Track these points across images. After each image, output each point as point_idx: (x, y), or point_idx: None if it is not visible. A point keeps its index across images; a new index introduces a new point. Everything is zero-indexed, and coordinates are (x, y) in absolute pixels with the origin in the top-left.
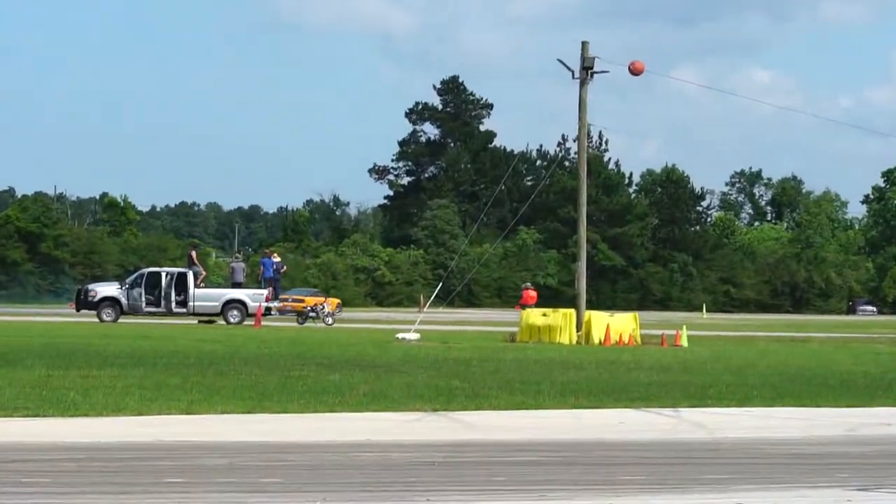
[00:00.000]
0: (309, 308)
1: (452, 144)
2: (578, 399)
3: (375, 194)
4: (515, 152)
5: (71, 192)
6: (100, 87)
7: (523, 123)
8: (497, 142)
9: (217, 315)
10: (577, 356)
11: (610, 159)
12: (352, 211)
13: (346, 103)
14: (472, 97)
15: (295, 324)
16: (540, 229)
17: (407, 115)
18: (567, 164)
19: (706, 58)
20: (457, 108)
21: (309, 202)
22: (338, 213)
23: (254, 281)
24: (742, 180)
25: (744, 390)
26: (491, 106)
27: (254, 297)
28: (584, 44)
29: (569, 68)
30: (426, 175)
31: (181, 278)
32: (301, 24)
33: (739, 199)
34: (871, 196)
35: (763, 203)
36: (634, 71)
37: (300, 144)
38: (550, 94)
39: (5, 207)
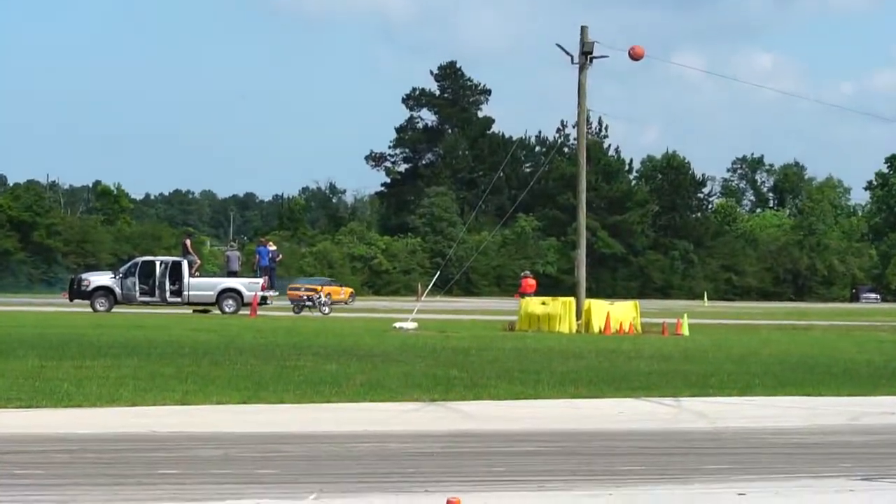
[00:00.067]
0: (305, 297)
1: (450, 131)
2: (578, 388)
3: (372, 181)
4: (514, 139)
5: (63, 180)
6: (92, 75)
7: (522, 109)
8: (495, 128)
9: (212, 304)
10: (577, 345)
11: (610, 145)
12: (348, 198)
13: (343, 90)
14: (469, 83)
15: (291, 313)
16: (539, 217)
17: (404, 101)
18: (566, 150)
19: (707, 42)
20: (454, 93)
21: (305, 190)
22: (334, 200)
23: (249, 269)
24: (744, 166)
25: (745, 379)
26: (489, 92)
27: (249, 285)
28: (583, 28)
29: (568, 53)
30: (424, 162)
31: (176, 267)
32: (297, 9)
33: (741, 185)
34: (875, 182)
35: (765, 189)
36: (634, 56)
37: (296, 131)
38: (549, 80)
39: None
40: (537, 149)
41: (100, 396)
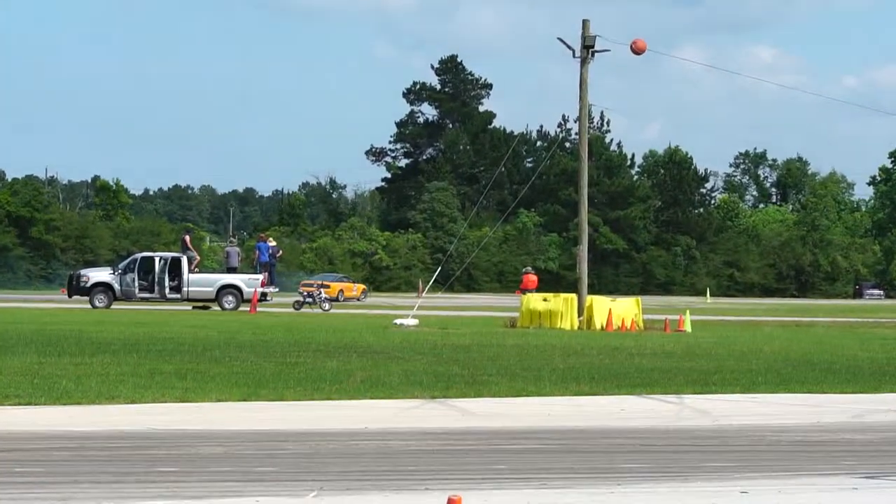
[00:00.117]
0: (305, 294)
1: (451, 125)
2: (580, 385)
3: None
4: (515, 133)
5: (62, 176)
6: (92, 69)
7: (523, 104)
8: (496, 122)
9: (212, 301)
10: (579, 342)
11: (612, 140)
12: (349, 194)
13: (343, 84)
14: (470, 77)
15: (291, 309)
16: (540, 212)
17: (404, 95)
18: (568, 145)
19: (709, 36)
20: (455, 88)
21: (305, 185)
22: (334, 196)
23: (249, 266)
24: (746, 161)
25: (748, 376)
26: (490, 86)
27: (249, 282)
28: (584, 22)
29: (569, 47)
30: (424, 157)
31: (175, 263)
32: (297, 3)
33: (744, 180)
34: (878, 177)
35: (768, 185)
36: (636, 50)
37: (296, 126)
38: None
39: None
40: (539, 144)
41: (99, 393)
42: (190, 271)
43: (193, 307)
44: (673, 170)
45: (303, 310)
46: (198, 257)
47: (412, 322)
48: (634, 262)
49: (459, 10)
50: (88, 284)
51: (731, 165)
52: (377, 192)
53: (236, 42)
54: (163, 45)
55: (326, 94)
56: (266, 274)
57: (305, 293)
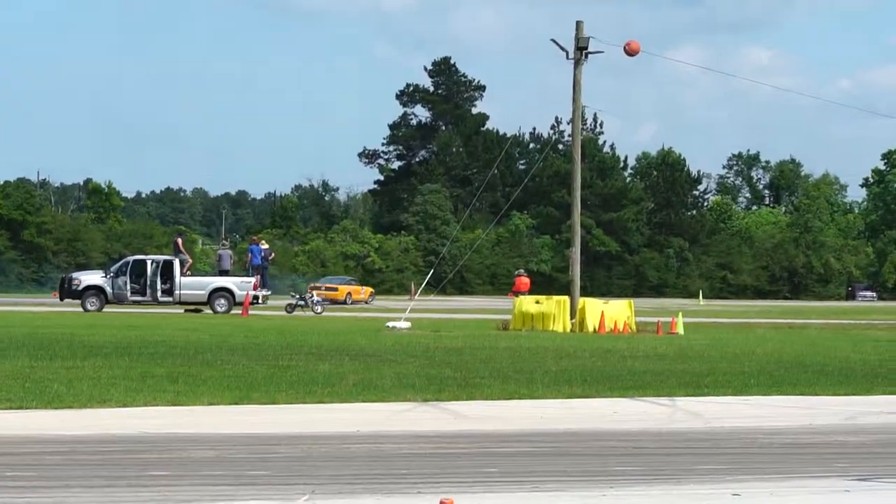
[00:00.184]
0: (297, 296)
1: (444, 127)
2: (572, 388)
3: (365, 179)
4: (508, 135)
5: (54, 178)
6: (83, 71)
7: (516, 106)
8: (489, 125)
9: (204, 304)
10: (571, 344)
11: (605, 142)
12: (341, 196)
13: (336, 86)
14: (464, 79)
15: (283, 312)
16: (533, 214)
17: (397, 97)
18: (561, 147)
19: (703, 38)
20: (448, 90)
21: (297, 187)
22: (327, 198)
23: (241, 268)
24: (739, 163)
25: (741, 378)
26: (483, 88)
27: (241, 285)
28: (578, 23)
29: (563, 49)
30: (417, 159)
31: (167, 266)
32: (290, 4)
33: (737, 182)
34: (871, 179)
35: (761, 186)
36: (630, 51)
37: (288, 128)
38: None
39: None
40: (532, 146)
41: (90, 397)
42: (182, 274)
43: (185, 310)
44: (666, 172)
45: (295, 313)
46: (190, 260)
47: (404, 325)
48: (627, 264)
49: (452, 12)
50: (80, 288)
51: (724, 167)
52: (370, 195)
53: (229, 44)
54: (156, 47)
55: (319, 96)
56: (258, 277)
57: (298, 296)
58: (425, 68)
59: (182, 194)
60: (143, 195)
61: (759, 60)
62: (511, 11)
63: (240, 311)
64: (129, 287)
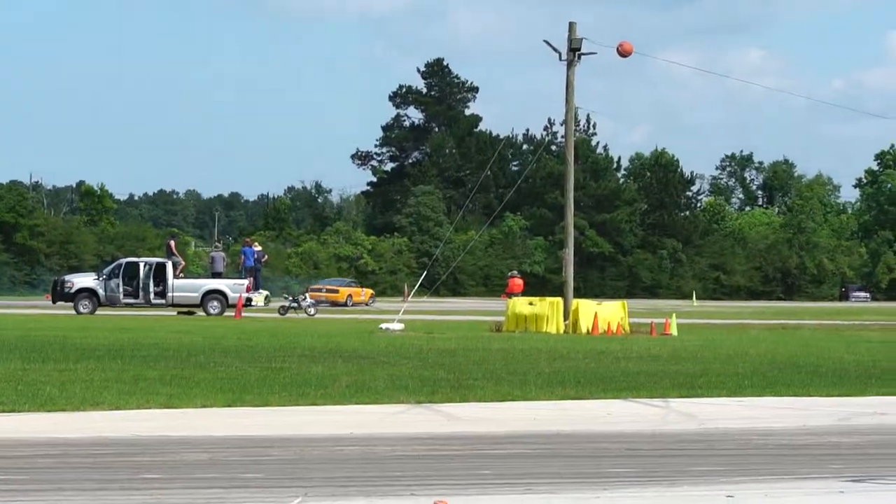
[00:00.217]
0: (290, 298)
1: (437, 129)
2: (565, 390)
3: (358, 181)
4: (501, 137)
5: (47, 181)
6: (76, 72)
7: (509, 107)
8: (482, 126)
9: (196, 306)
10: (565, 346)
11: (598, 143)
12: (334, 198)
13: (329, 88)
14: (457, 80)
15: (276, 315)
16: (526, 216)
17: (391, 98)
18: (554, 148)
19: (696, 38)
20: (441, 91)
21: (290, 189)
22: (320, 200)
23: (234, 271)
24: (733, 164)
25: (734, 379)
26: (476, 89)
27: (234, 287)
28: (571, 24)
29: (556, 50)
30: (410, 161)
31: (160, 268)
32: (282, 6)
33: (730, 183)
34: (864, 179)
35: (754, 187)
36: (623, 52)
37: (281, 130)
38: (537, 77)
39: None
40: (525, 147)
41: (83, 400)
42: (175, 276)
43: (178, 312)
44: (659, 173)
45: (288, 315)
46: (183, 262)
47: (398, 326)
48: (620, 265)
49: (446, 13)
50: (73, 290)
51: (717, 168)
52: (363, 196)
53: (222, 46)
54: (148, 49)
55: (312, 98)
56: (251, 279)
57: (290, 298)
58: (418, 70)
59: (175, 196)
60: (136, 197)
61: (750, 61)
62: (504, 13)
63: (233, 314)
64: (121, 289)
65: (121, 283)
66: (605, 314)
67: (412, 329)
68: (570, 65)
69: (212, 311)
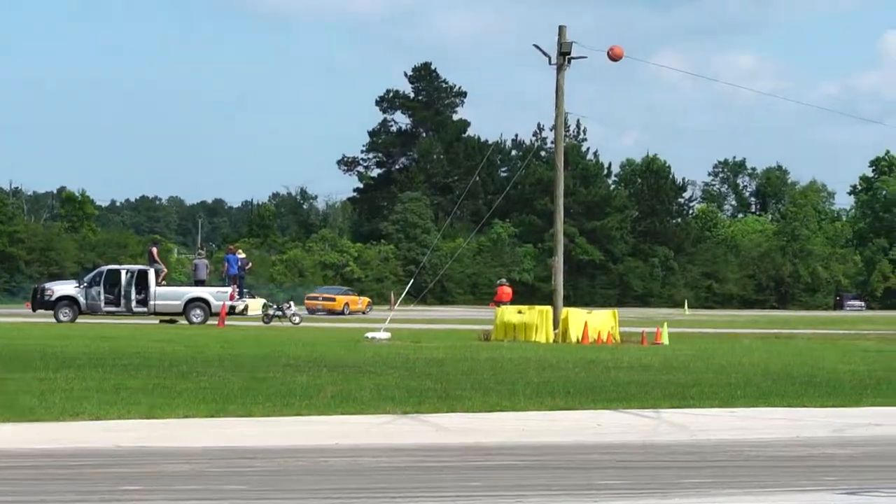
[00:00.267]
0: (274, 307)
1: (424, 134)
2: (555, 400)
3: (344, 187)
4: (490, 142)
5: (27, 187)
6: (56, 76)
7: (498, 112)
8: (471, 131)
9: (179, 314)
10: (554, 355)
11: (588, 149)
12: (320, 205)
13: (314, 92)
14: (444, 85)
15: (260, 323)
16: (515, 223)
17: (377, 103)
18: (543, 154)
19: (688, 42)
20: (429, 96)
21: (275, 196)
22: (305, 206)
23: (217, 278)
24: (725, 170)
25: (727, 390)
26: (464, 94)
27: (217, 295)
28: (561, 28)
29: (545, 54)
30: (397, 167)
31: (142, 276)
32: (266, 9)
33: (722, 189)
34: (859, 186)
35: (747, 194)
36: (613, 56)
37: (266, 135)
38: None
39: None
40: (514, 153)
41: (63, 410)
42: (157, 284)
43: (160, 321)
44: (650, 179)
45: (272, 323)
46: (165, 270)
47: (384, 335)
48: (611, 273)
49: (433, 16)
50: (53, 298)
51: (709, 174)
52: (349, 203)
53: (204, 50)
54: (129, 54)
55: (297, 103)
56: (235, 287)
57: (275, 306)
58: (405, 74)
59: (157, 203)
60: (118, 203)
61: (742, 65)
62: (492, 17)
63: (216, 322)
64: (102, 297)
65: (102, 291)
66: (596, 323)
67: (399, 338)
68: (560, 69)
69: (195, 319)
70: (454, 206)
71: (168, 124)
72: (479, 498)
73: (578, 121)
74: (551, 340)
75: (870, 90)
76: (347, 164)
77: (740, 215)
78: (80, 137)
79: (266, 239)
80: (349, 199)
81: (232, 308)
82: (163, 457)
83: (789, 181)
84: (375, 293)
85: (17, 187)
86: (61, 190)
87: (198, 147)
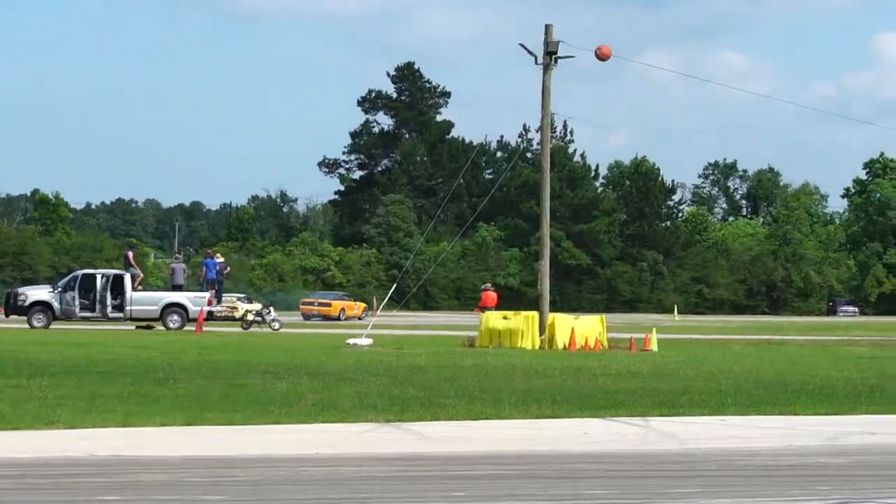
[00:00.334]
0: (254, 312)
1: (407, 135)
2: (541, 408)
3: (325, 189)
4: (474, 144)
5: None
6: (29, 76)
7: (483, 113)
8: (455, 132)
9: (156, 320)
10: (540, 362)
11: (575, 150)
12: (300, 207)
13: (295, 92)
14: (428, 85)
15: (239, 329)
16: (500, 226)
17: (359, 103)
18: (529, 155)
19: (677, 42)
20: (412, 96)
21: (254, 198)
22: (285, 209)
23: (195, 283)
24: (716, 172)
25: (717, 397)
26: (448, 94)
27: (195, 300)
28: (547, 27)
29: (531, 53)
30: (379, 168)
31: (117, 281)
32: (242, 8)
33: (713, 192)
34: (853, 189)
35: (738, 197)
36: (601, 56)
37: (245, 137)
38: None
39: None
40: (499, 154)
41: (37, 418)
42: (133, 289)
43: (137, 327)
44: (639, 181)
45: (252, 329)
46: (141, 274)
47: (366, 342)
48: (598, 277)
49: (417, 15)
50: (26, 303)
51: (699, 176)
52: (330, 206)
53: (182, 49)
54: (104, 54)
55: (277, 103)
56: (213, 292)
57: (253, 311)
58: (388, 74)
59: (134, 205)
60: (93, 206)
61: (734, 65)
62: (478, 15)
63: (193, 328)
64: (77, 302)
65: (77, 296)
66: (583, 329)
67: (381, 344)
68: (547, 69)
69: (172, 325)
70: (438, 209)
71: (144, 126)
72: None
73: (565, 122)
74: (537, 347)
75: (863, 91)
76: (329, 165)
77: (731, 218)
78: (54, 138)
79: (245, 243)
80: (330, 201)
81: (209, 313)
82: (139, 466)
83: (781, 183)
84: (357, 298)
85: None
86: (35, 192)
87: (175, 148)
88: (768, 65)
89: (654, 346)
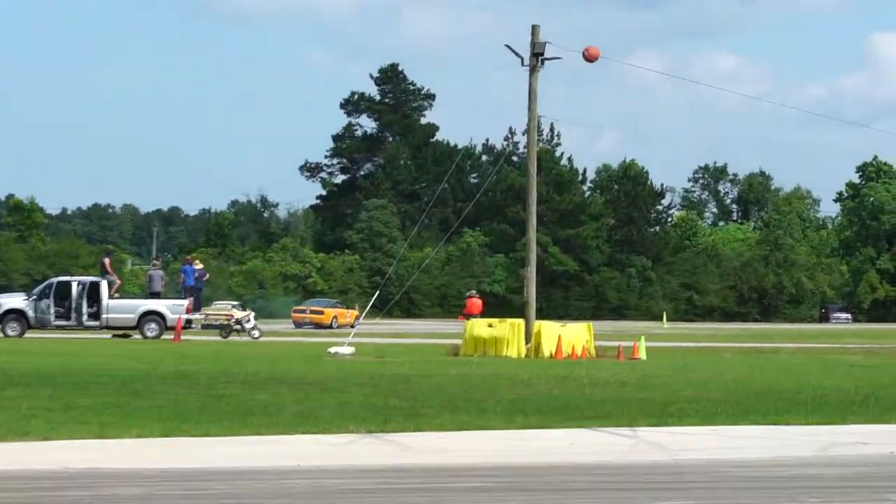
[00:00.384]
0: (233, 320)
1: (391, 139)
2: (527, 418)
3: (307, 194)
4: (459, 147)
5: None
6: (4, 78)
7: (468, 116)
8: (439, 136)
9: (133, 328)
10: (526, 371)
11: (562, 154)
12: (281, 213)
13: (275, 95)
14: (412, 87)
15: (218, 337)
16: (486, 231)
17: (342, 106)
18: (515, 159)
19: (667, 43)
20: (396, 98)
21: (234, 203)
22: (265, 215)
23: (173, 290)
24: (706, 176)
25: (707, 407)
26: (433, 96)
27: (173, 308)
28: (534, 28)
29: (517, 55)
30: (362, 172)
31: (94, 288)
32: (223, 9)
33: (703, 196)
34: (846, 193)
35: (728, 201)
36: (589, 57)
37: (224, 140)
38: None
39: None
40: (484, 158)
41: (9, 429)
42: (110, 297)
43: (113, 335)
44: (627, 185)
45: (231, 338)
46: (118, 282)
47: (348, 350)
48: (586, 284)
49: (401, 16)
50: (0, 311)
51: (689, 180)
52: (311, 211)
53: (159, 50)
54: (80, 56)
55: (257, 106)
56: (192, 299)
57: (234, 319)
58: (371, 76)
59: (110, 211)
60: (69, 212)
61: (724, 67)
62: (462, 16)
63: (171, 337)
64: (52, 310)
65: (52, 304)
66: (570, 337)
67: (363, 353)
68: (533, 70)
69: (149, 333)
70: (422, 214)
71: (122, 129)
72: None
73: (552, 124)
74: (523, 355)
75: (856, 93)
76: (310, 169)
77: (721, 223)
78: (29, 142)
79: (224, 249)
80: (312, 206)
81: (188, 322)
82: (115, 479)
83: (772, 188)
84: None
85: None
86: (9, 197)
87: (153, 152)
88: (761, 67)
89: (642, 355)
